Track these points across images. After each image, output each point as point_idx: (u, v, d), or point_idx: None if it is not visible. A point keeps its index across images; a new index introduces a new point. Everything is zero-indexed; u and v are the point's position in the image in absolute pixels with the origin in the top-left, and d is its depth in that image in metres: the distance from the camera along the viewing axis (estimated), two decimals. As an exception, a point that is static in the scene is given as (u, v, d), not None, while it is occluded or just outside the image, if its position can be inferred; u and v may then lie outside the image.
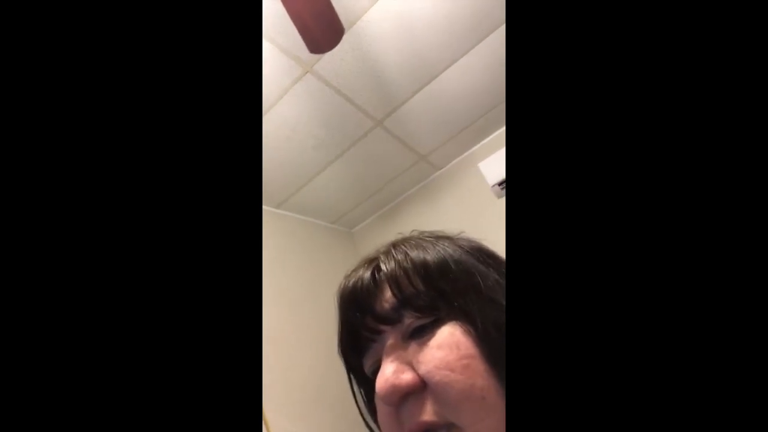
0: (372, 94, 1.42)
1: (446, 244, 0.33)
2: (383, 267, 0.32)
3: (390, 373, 0.28)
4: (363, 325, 0.31)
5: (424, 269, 0.31)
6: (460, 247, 0.33)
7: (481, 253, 0.33)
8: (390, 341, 0.30)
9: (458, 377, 0.26)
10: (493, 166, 1.77)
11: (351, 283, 0.33)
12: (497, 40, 1.35)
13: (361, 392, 0.35)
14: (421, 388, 0.27)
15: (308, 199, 1.79)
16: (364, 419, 0.35)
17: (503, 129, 1.82)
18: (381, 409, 0.30)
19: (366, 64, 1.31)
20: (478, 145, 1.89)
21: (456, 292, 0.29)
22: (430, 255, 0.32)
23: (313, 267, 1.79)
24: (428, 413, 0.27)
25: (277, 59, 1.20)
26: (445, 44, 1.32)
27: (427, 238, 0.34)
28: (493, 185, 1.76)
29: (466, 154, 1.92)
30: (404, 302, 0.30)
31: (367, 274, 0.32)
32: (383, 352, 0.30)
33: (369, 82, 1.37)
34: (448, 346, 0.27)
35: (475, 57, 1.40)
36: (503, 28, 1.30)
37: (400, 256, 0.32)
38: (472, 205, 1.84)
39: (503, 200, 1.76)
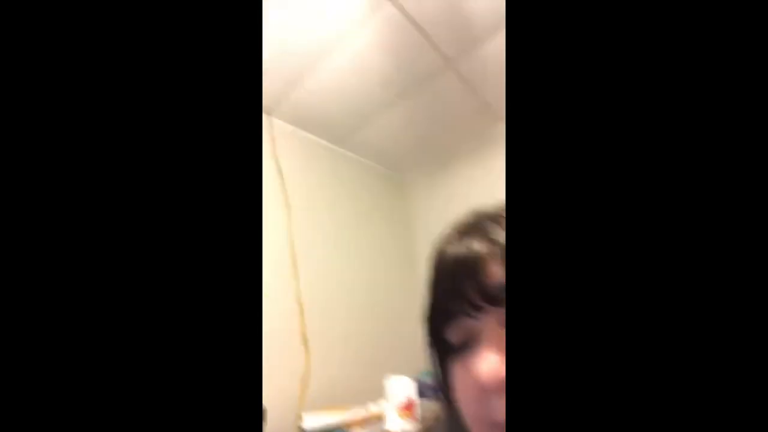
0: (448, 30, 1.34)
1: None
2: (496, 238, 0.29)
3: (501, 364, 0.26)
4: (463, 297, 0.29)
5: None
6: None
7: None
8: (492, 327, 0.28)
9: None
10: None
11: (455, 249, 0.31)
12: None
13: (437, 358, 0.34)
14: None
15: (367, 139, 1.77)
16: (441, 389, 0.34)
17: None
18: (471, 392, 0.29)
19: (447, -6, 1.22)
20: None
21: None
22: None
23: (362, 211, 1.80)
24: None
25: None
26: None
27: None
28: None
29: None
30: None
31: (476, 243, 0.30)
32: (482, 334, 0.28)
33: (448, 14, 1.29)
34: None
35: None
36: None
37: None
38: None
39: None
